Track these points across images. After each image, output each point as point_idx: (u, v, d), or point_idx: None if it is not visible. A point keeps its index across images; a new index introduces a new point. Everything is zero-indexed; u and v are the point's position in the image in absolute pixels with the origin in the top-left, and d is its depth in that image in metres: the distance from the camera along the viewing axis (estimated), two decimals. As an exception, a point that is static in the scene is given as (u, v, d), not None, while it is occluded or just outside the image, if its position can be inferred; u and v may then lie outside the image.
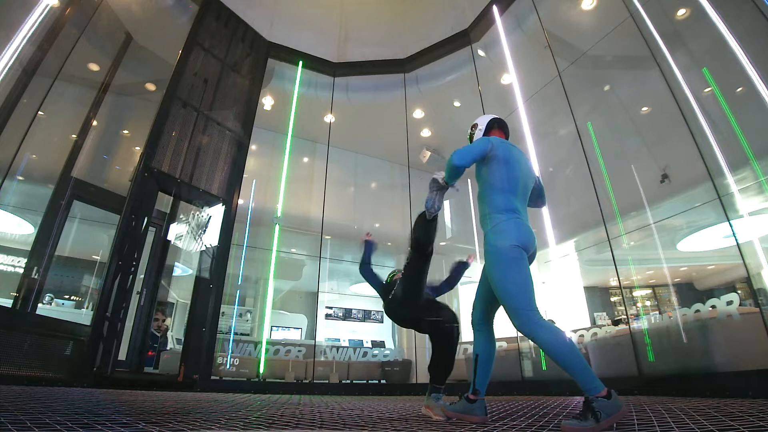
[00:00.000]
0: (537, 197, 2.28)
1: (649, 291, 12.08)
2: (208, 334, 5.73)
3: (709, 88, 4.81)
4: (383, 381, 7.57)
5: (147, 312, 6.38)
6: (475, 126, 2.37)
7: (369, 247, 3.14)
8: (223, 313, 6.26)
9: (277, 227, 7.25)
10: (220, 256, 6.11)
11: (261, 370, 6.46)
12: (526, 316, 1.75)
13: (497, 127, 2.32)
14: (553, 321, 7.46)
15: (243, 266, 7.75)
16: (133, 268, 5.17)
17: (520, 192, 2.03)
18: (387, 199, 10.06)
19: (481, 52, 7.69)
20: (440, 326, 2.43)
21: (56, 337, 4.45)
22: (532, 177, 2.17)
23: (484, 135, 2.28)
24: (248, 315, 10.61)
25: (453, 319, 2.45)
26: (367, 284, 3.07)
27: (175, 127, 6.01)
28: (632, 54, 6.04)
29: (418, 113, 9.02)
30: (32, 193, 6.64)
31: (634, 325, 4.67)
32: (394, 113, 8.69)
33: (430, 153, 9.48)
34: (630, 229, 7.24)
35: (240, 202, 6.83)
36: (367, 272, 3.06)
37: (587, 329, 5.71)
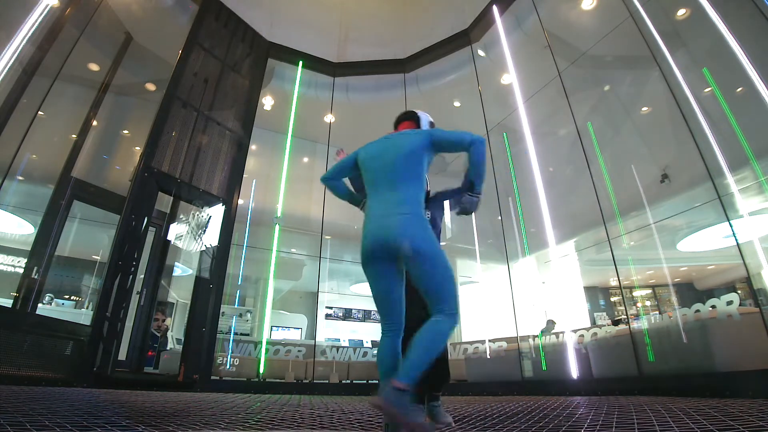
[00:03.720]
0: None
1: (649, 291, 12.10)
2: (208, 334, 5.73)
3: (709, 88, 4.81)
4: (383, 381, 7.56)
5: (147, 312, 6.38)
6: None
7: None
8: (223, 313, 6.26)
9: (277, 227, 7.24)
10: (220, 256, 6.11)
11: (261, 370, 6.45)
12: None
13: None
14: (553, 321, 7.48)
15: (243, 266, 7.75)
16: (133, 268, 5.17)
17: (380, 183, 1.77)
18: (387, 199, 10.02)
19: (481, 52, 7.69)
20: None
21: (56, 337, 4.45)
22: (398, 152, 1.79)
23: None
24: (248, 315, 10.61)
25: None
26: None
27: (175, 127, 6.01)
28: (632, 54, 6.03)
29: (418, 113, 9.01)
30: (32, 193, 6.65)
31: (634, 325, 4.66)
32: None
33: (430, 153, 9.47)
34: (630, 229, 7.24)
35: (240, 202, 6.83)
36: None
37: (587, 329, 5.70)
